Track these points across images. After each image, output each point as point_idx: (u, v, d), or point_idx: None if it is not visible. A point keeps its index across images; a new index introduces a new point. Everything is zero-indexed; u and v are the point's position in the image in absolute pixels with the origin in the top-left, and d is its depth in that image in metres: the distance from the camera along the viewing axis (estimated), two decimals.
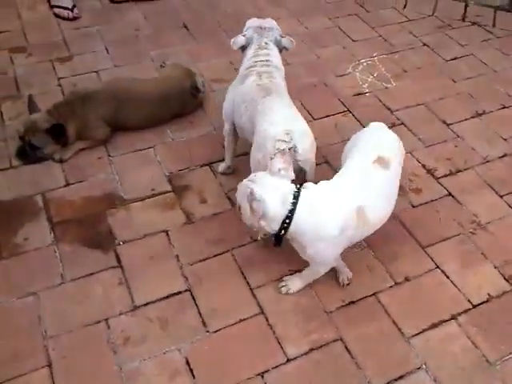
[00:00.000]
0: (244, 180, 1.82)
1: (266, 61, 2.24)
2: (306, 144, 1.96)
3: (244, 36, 2.32)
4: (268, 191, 1.73)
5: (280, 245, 1.84)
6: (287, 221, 1.73)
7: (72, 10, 3.40)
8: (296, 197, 1.73)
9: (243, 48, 2.33)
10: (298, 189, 1.77)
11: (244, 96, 2.16)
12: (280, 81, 2.23)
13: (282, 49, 2.36)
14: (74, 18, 3.40)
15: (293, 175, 1.84)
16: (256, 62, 2.24)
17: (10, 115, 2.69)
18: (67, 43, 3.22)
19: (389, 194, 1.92)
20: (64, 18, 3.39)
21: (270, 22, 2.37)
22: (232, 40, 2.32)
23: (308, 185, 1.83)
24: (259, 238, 2.13)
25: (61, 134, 2.43)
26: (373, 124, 2.16)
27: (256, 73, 2.19)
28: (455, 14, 3.68)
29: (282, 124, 1.95)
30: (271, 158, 1.85)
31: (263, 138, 1.96)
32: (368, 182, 1.85)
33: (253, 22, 2.37)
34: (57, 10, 3.40)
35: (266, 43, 2.30)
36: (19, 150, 2.47)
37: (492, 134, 2.73)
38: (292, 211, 1.72)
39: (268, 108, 2.04)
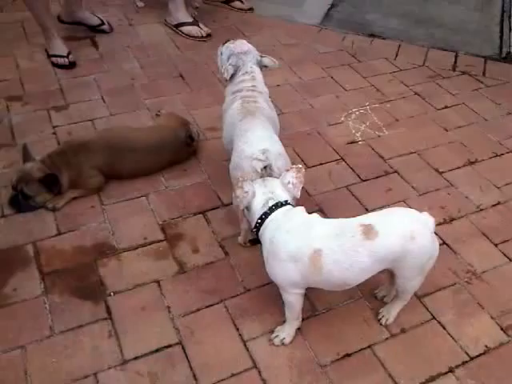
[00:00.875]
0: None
1: (252, 86, 2.38)
2: (280, 163, 2.05)
3: (231, 65, 2.42)
4: (261, 190, 1.86)
5: (256, 243, 1.90)
6: (259, 221, 1.83)
7: (67, 57, 3.46)
8: (276, 206, 1.82)
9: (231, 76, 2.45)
10: (286, 202, 1.84)
11: (229, 119, 2.31)
12: (263, 104, 2.33)
13: (262, 67, 2.48)
14: (71, 64, 3.46)
15: (298, 194, 1.90)
16: (243, 87, 2.37)
17: (3, 164, 2.68)
18: (63, 92, 3.25)
19: (354, 260, 1.75)
20: (61, 66, 3.44)
21: (246, 45, 2.49)
22: (223, 72, 2.43)
23: (298, 208, 1.86)
24: (243, 243, 2.28)
25: (54, 183, 2.43)
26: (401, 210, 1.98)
27: (240, 97, 2.32)
28: (446, 64, 3.76)
29: (257, 144, 2.06)
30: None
31: (240, 157, 2.08)
32: (342, 236, 1.77)
33: (232, 49, 2.46)
34: (54, 59, 3.46)
35: (251, 67, 2.43)
36: (12, 198, 2.45)
37: (485, 182, 2.75)
38: (266, 215, 1.82)
39: (244, 129, 2.15)
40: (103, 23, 3.86)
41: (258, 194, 1.86)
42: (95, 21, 3.84)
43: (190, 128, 2.77)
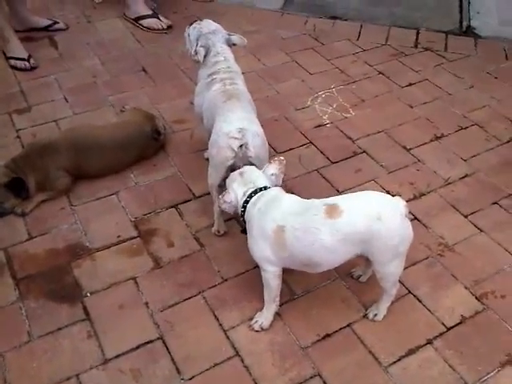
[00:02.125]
0: (236, 170, 2.00)
1: (227, 67, 2.39)
2: (256, 142, 2.11)
3: (202, 46, 2.42)
4: (241, 189, 1.93)
5: (245, 232, 1.96)
6: (242, 209, 1.93)
7: (28, 61, 3.38)
8: (255, 192, 1.91)
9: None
10: (264, 187, 1.92)
11: (209, 102, 2.32)
12: (242, 86, 2.38)
13: (230, 45, 2.49)
14: (32, 69, 3.39)
15: (281, 182, 1.99)
16: (219, 68, 2.38)
17: None
18: (25, 94, 3.19)
19: (316, 238, 1.79)
20: (21, 69, 3.37)
21: (213, 24, 2.50)
22: (195, 55, 2.43)
23: (273, 189, 1.93)
24: (217, 231, 2.34)
25: (21, 187, 2.39)
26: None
27: (219, 80, 2.34)
28: (408, 42, 3.80)
29: (235, 123, 2.12)
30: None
31: (217, 134, 2.14)
32: (305, 214, 1.82)
33: (200, 29, 2.46)
34: (12, 62, 3.39)
35: (221, 46, 2.43)
36: None
37: (452, 155, 2.79)
38: (247, 202, 1.91)
39: (226, 110, 2.20)
40: (56, 22, 3.78)
41: (240, 194, 1.93)
42: (46, 22, 3.76)
43: (156, 122, 2.74)
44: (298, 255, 1.84)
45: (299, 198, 1.93)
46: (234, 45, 2.50)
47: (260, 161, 2.13)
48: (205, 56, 2.42)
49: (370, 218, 1.77)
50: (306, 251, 1.82)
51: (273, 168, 1.97)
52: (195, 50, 2.42)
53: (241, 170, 2.00)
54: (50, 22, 3.76)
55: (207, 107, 2.33)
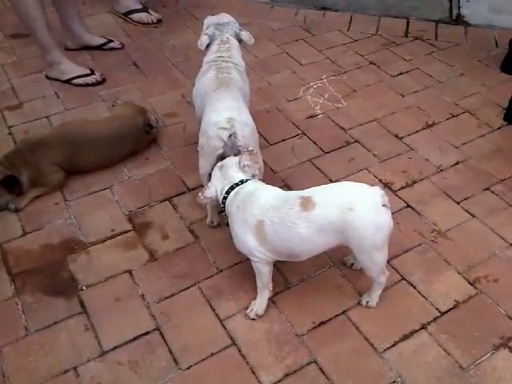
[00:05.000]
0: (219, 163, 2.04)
1: (228, 57, 2.40)
2: (245, 131, 2.11)
3: (207, 35, 2.44)
4: (220, 184, 1.98)
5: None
6: (222, 205, 1.98)
7: (93, 73, 3.26)
8: (232, 188, 1.95)
9: (207, 46, 2.47)
10: (241, 182, 1.95)
11: (200, 90, 2.34)
12: (236, 76, 2.36)
13: (240, 41, 2.51)
14: (103, 80, 3.27)
15: (257, 172, 2.01)
16: (218, 57, 2.39)
17: None
18: (15, 90, 3.18)
19: (293, 232, 1.82)
20: (94, 84, 3.24)
21: (226, 17, 2.52)
22: (198, 42, 2.44)
23: (249, 182, 1.96)
24: (211, 222, 2.36)
25: (14, 184, 2.39)
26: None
27: (215, 68, 2.35)
28: (398, 31, 3.80)
29: (224, 113, 2.12)
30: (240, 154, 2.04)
31: (207, 124, 2.14)
32: (281, 208, 1.84)
33: (211, 20, 2.50)
34: (81, 81, 3.22)
35: (228, 38, 2.45)
36: None
37: (443, 143, 2.81)
38: (225, 199, 1.96)
39: (216, 99, 2.20)
40: (111, 40, 3.60)
41: (219, 189, 1.98)
42: (101, 40, 3.58)
43: (147, 116, 2.74)
44: (279, 247, 1.87)
45: (276, 190, 1.96)
46: (242, 41, 2.50)
47: None
48: (208, 45, 2.45)
49: (343, 209, 1.77)
50: (286, 244, 1.86)
51: (244, 159, 1.99)
52: (200, 38, 2.46)
53: (221, 163, 2.04)
54: (104, 41, 3.58)
55: (198, 95, 2.36)
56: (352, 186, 1.90)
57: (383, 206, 1.81)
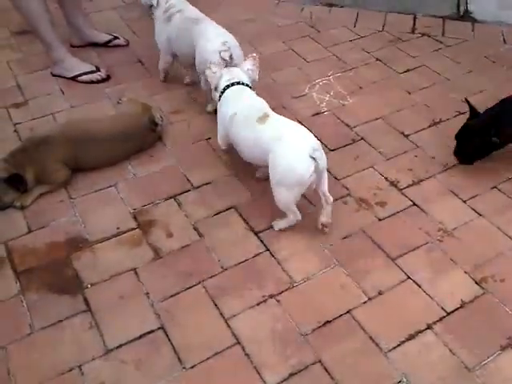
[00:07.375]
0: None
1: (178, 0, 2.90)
2: (238, 52, 2.63)
3: None
4: (227, 75, 2.41)
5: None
6: (221, 93, 2.40)
7: (99, 70, 3.25)
8: (238, 83, 2.39)
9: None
10: (237, 83, 2.39)
11: (178, 30, 2.78)
12: (198, 13, 2.87)
13: None
14: (108, 77, 3.27)
15: (256, 76, 2.48)
16: (171, 3, 2.87)
17: None
18: (21, 88, 3.18)
19: (248, 132, 2.23)
20: (99, 81, 3.23)
21: None
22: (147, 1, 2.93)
23: (248, 88, 2.42)
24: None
25: (19, 182, 2.39)
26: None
27: (177, 11, 2.82)
28: (405, 27, 3.77)
29: (217, 38, 2.58)
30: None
31: (206, 52, 2.58)
32: (250, 111, 2.26)
33: None
34: (85, 78, 3.22)
35: None
36: None
37: (450, 141, 2.77)
38: (227, 87, 2.39)
39: (202, 30, 2.66)
40: (116, 37, 3.59)
41: (225, 77, 2.39)
42: (106, 37, 3.57)
43: (153, 113, 2.73)
44: (237, 141, 2.30)
45: (261, 101, 2.35)
46: None
47: None
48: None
49: (274, 136, 2.09)
50: (240, 140, 2.28)
51: (248, 64, 2.45)
52: None
53: (229, 67, 2.47)
54: (110, 38, 3.56)
55: (177, 36, 2.77)
56: (302, 130, 2.15)
57: (311, 157, 2.01)
